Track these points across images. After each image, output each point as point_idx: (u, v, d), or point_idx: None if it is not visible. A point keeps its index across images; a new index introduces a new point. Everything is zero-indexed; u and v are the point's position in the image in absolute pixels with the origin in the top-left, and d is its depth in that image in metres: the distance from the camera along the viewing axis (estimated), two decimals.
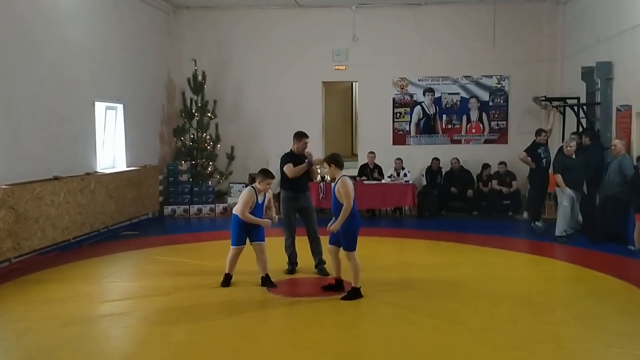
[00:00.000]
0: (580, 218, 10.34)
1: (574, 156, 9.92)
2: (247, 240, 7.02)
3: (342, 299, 6.42)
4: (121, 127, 11.69)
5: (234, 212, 6.98)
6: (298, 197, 7.73)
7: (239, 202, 6.89)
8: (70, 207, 9.31)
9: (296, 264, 7.81)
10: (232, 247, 7.01)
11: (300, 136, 7.78)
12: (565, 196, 9.71)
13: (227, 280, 7.04)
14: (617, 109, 9.94)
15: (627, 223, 9.05)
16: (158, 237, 10.52)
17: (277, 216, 7.30)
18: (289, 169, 7.43)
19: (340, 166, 6.57)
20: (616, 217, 9.30)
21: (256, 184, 6.95)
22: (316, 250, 7.74)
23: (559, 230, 9.69)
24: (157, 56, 13.30)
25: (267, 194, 7.08)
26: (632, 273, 7.66)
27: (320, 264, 7.68)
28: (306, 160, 7.63)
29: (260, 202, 6.97)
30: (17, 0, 8.60)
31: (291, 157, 7.72)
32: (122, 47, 11.65)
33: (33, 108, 8.87)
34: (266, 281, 6.98)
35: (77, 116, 10.10)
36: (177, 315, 6.02)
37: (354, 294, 6.45)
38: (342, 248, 6.50)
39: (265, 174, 6.96)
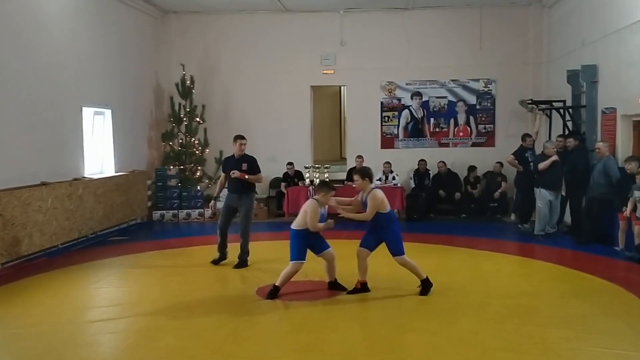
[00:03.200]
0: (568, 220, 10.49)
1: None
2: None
3: (420, 294, 6.67)
4: (109, 132, 11.65)
5: (294, 227, 6.68)
6: (233, 197, 8.36)
7: (308, 215, 6.56)
8: (58, 212, 9.27)
9: (223, 256, 8.42)
10: (291, 262, 6.65)
11: (235, 139, 8.43)
12: (540, 197, 10.10)
13: (275, 292, 6.66)
14: (602, 112, 10.04)
15: (613, 224, 9.14)
16: (147, 242, 10.48)
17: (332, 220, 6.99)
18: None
19: (371, 180, 6.78)
20: (602, 219, 9.42)
21: (318, 197, 6.69)
22: (243, 248, 8.34)
23: (537, 229, 10.16)
24: (145, 61, 13.27)
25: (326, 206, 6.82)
26: (617, 274, 7.76)
27: (240, 256, 8.32)
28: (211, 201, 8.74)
29: (323, 213, 6.72)
30: (3, 5, 8.57)
31: (224, 161, 8.64)
32: (110, 52, 11.63)
33: (20, 114, 8.82)
34: (335, 285, 6.94)
35: (65, 121, 10.06)
36: (165, 320, 6.01)
37: (426, 285, 6.73)
38: (391, 254, 6.70)
39: (329, 186, 6.81)
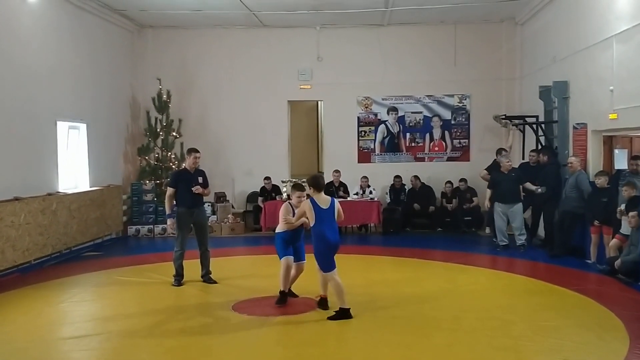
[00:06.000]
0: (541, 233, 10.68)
1: (507, 172, 10.50)
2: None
3: (329, 318, 6.36)
4: (84, 146, 11.55)
5: (276, 230, 7.05)
6: (192, 212, 8.12)
7: (280, 218, 6.95)
8: (31, 228, 9.14)
9: (183, 276, 8.10)
10: (281, 260, 6.89)
11: (189, 152, 8.27)
12: (494, 211, 10.59)
13: (283, 298, 6.87)
14: (574, 127, 10.24)
15: (585, 237, 9.31)
16: (121, 258, 10.37)
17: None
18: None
19: (318, 189, 6.50)
20: (574, 232, 9.58)
21: (292, 199, 7.00)
22: (204, 263, 8.22)
23: (498, 240, 10.70)
24: (122, 75, 13.22)
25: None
26: (589, 286, 7.89)
27: (206, 274, 8.18)
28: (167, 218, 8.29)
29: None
30: None
31: (177, 176, 8.23)
32: (86, 66, 11.57)
33: None
34: (290, 294, 7.12)
35: (39, 136, 9.96)
36: (140, 336, 5.96)
37: (343, 314, 6.36)
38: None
39: (298, 187, 7.02)
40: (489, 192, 10.78)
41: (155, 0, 11.67)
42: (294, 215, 6.85)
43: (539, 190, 10.12)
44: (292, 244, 6.97)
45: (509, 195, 10.40)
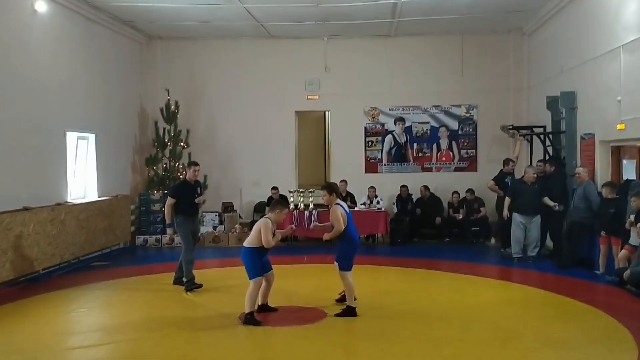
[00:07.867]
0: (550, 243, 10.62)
1: (530, 183, 10.35)
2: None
3: (336, 315, 6.84)
4: (93, 156, 11.63)
5: (247, 245, 6.86)
6: (193, 219, 8.75)
7: (262, 232, 6.71)
8: (39, 238, 9.19)
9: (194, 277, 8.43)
10: (252, 280, 6.73)
11: (189, 165, 8.86)
12: (512, 221, 10.48)
13: (251, 319, 6.63)
14: (581, 137, 10.22)
15: (593, 248, 9.26)
16: (129, 268, 10.41)
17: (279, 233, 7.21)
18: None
19: (336, 194, 7.24)
20: (583, 243, 9.53)
21: (271, 215, 6.93)
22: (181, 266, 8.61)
23: (512, 251, 10.54)
24: (130, 86, 13.31)
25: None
26: (598, 297, 7.85)
27: (180, 277, 8.55)
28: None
29: (274, 231, 6.94)
30: None
31: (180, 187, 8.72)
32: (95, 77, 11.66)
33: (3, 138, 8.80)
34: (266, 308, 7.07)
35: (48, 146, 10.04)
36: (147, 346, 5.97)
37: (349, 312, 6.84)
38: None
39: (282, 204, 7.21)
40: (507, 200, 10.60)
41: (164, 11, 11.77)
42: (274, 231, 6.88)
43: (557, 207, 10.05)
44: (263, 257, 6.90)
45: (530, 207, 10.30)
